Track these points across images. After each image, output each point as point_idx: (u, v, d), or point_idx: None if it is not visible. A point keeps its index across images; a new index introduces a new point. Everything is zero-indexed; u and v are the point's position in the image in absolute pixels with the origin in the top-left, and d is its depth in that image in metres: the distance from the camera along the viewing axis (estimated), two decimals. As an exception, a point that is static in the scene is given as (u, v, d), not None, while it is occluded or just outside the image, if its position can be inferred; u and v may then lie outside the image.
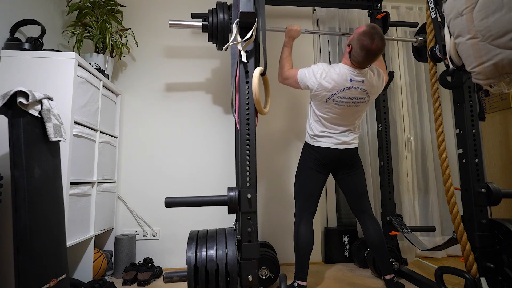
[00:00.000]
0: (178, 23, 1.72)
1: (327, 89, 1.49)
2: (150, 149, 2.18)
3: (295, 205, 1.66)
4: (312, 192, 1.61)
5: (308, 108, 1.68)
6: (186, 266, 1.03)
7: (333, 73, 1.49)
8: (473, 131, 1.40)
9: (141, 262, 1.91)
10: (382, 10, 2.11)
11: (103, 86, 1.87)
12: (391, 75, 1.99)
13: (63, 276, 1.22)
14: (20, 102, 1.12)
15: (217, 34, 1.68)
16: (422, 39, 1.98)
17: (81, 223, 1.60)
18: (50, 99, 1.29)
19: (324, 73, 1.50)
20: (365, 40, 1.41)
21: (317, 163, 1.60)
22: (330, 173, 1.69)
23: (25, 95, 1.14)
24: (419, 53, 2.05)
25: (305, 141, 1.69)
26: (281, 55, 1.72)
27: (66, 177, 1.44)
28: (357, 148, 1.65)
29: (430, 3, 1.43)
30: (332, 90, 1.48)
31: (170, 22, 1.70)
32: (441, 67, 1.41)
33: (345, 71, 1.50)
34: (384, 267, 1.59)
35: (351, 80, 1.48)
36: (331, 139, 1.58)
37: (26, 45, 1.51)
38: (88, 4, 1.98)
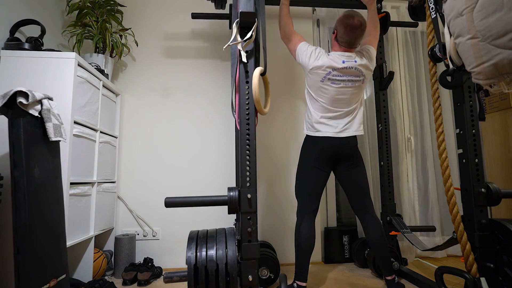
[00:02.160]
0: None
1: (322, 67, 1.54)
2: (150, 149, 2.18)
3: (297, 204, 1.64)
4: (313, 190, 1.59)
5: (306, 98, 1.67)
6: (186, 266, 1.03)
7: (327, 57, 1.57)
8: (473, 131, 1.40)
9: (141, 262, 1.91)
10: (382, 10, 2.12)
11: (103, 86, 1.87)
12: (391, 75, 1.99)
13: (63, 276, 1.22)
14: (20, 102, 1.12)
15: None
16: None
17: (81, 223, 1.60)
18: (50, 99, 1.29)
19: (321, 55, 1.58)
20: (346, 19, 1.55)
21: (318, 159, 1.58)
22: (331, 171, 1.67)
23: (25, 95, 1.14)
24: (415, 12, 2.01)
25: (306, 135, 1.66)
26: (280, 12, 1.73)
27: (66, 177, 1.44)
28: (356, 137, 1.62)
29: (430, 3, 1.43)
30: (326, 69, 1.54)
31: None
32: (441, 67, 1.41)
33: (336, 55, 1.57)
34: (386, 267, 1.59)
35: (343, 62, 1.55)
36: (331, 127, 1.57)
37: (26, 45, 1.52)
38: (88, 4, 1.98)
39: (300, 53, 1.62)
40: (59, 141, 1.32)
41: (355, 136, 1.61)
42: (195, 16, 2.10)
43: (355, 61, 1.56)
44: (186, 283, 1.53)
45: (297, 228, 1.58)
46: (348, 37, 1.55)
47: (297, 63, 2.37)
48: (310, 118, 1.62)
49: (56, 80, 1.48)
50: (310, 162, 1.60)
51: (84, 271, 1.64)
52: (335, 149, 1.57)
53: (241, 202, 1.15)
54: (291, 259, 2.14)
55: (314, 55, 1.57)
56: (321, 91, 1.57)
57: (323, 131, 1.57)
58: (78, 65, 1.56)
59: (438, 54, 1.41)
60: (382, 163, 2.05)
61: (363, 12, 2.38)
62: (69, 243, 1.44)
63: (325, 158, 1.58)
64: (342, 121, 1.58)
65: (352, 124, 1.60)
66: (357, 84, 1.57)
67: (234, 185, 2.18)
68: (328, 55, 1.58)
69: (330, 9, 2.39)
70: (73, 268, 1.64)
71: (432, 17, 1.43)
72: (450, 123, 2.41)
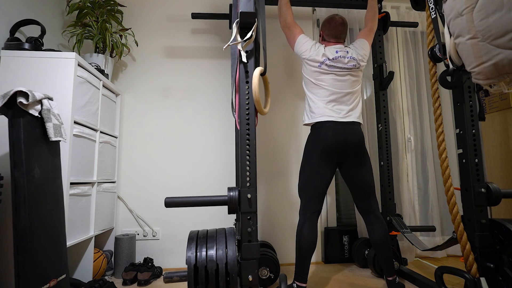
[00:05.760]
0: None
1: (319, 55, 1.61)
2: (150, 149, 2.18)
3: (300, 203, 1.62)
4: (316, 189, 1.54)
5: (305, 89, 1.67)
6: (186, 266, 1.03)
7: (323, 50, 1.64)
8: (473, 131, 1.40)
9: (141, 262, 1.91)
10: (382, 10, 2.11)
11: (103, 86, 1.87)
12: (391, 75, 1.99)
13: (63, 276, 1.22)
14: (20, 102, 1.12)
15: None
16: None
17: (81, 223, 1.60)
18: (50, 99, 1.29)
19: (319, 47, 1.65)
20: (329, 19, 1.72)
21: (322, 156, 1.54)
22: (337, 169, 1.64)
23: (25, 95, 1.14)
24: (417, 2, 2.00)
25: (311, 126, 1.64)
26: (280, 0, 1.78)
27: (66, 177, 1.44)
28: (361, 129, 1.61)
29: (430, 3, 1.43)
30: (322, 57, 1.61)
31: None
32: (441, 67, 1.41)
33: (330, 48, 1.65)
34: (387, 268, 1.58)
35: (337, 52, 1.63)
36: (335, 112, 1.56)
37: (26, 45, 1.51)
38: (88, 4, 1.98)
39: (300, 44, 1.67)
40: (59, 141, 1.32)
41: (359, 125, 1.60)
42: (195, 16, 2.10)
43: (347, 51, 1.63)
44: (186, 283, 1.53)
45: (299, 228, 1.53)
46: (333, 31, 1.69)
47: (296, 62, 2.37)
48: (313, 105, 1.60)
49: (56, 80, 1.48)
50: (314, 159, 1.55)
51: (84, 271, 1.64)
52: (340, 139, 1.53)
53: (241, 202, 1.15)
54: (291, 259, 2.14)
55: (315, 48, 1.63)
56: (321, 75, 1.60)
57: (328, 115, 1.56)
58: (78, 65, 1.56)
59: (438, 54, 1.41)
60: (382, 163, 2.05)
61: (360, 14, 2.41)
62: (69, 243, 1.44)
63: (330, 153, 1.54)
64: (345, 106, 1.59)
65: (354, 112, 1.61)
66: (354, 69, 1.63)
67: (234, 185, 2.18)
68: (324, 49, 1.65)
69: (330, 9, 2.39)
70: (73, 268, 1.64)
71: (432, 17, 1.43)
72: (450, 123, 2.41)
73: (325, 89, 1.59)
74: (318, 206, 1.55)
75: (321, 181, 1.55)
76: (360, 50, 1.67)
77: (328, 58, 1.59)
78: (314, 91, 1.61)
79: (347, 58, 1.61)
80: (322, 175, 1.55)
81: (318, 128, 1.58)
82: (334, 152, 1.55)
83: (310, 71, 1.62)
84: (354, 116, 1.59)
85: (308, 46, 1.64)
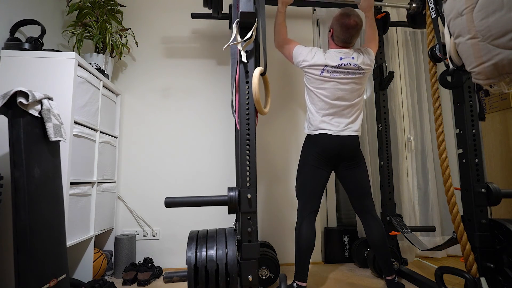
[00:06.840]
0: None
1: (318, 63, 1.56)
2: (150, 149, 2.18)
3: (297, 204, 1.64)
4: (313, 190, 1.57)
5: (306, 99, 1.66)
6: (186, 266, 1.03)
7: (324, 55, 1.59)
8: (473, 131, 1.40)
9: (141, 262, 1.91)
10: (382, 10, 2.11)
11: (103, 86, 1.87)
12: (391, 75, 1.99)
13: (63, 276, 1.22)
14: (20, 102, 1.12)
15: None
16: (415, 5, 1.96)
17: (81, 223, 1.60)
18: (50, 99, 1.29)
19: (317, 53, 1.60)
20: (342, 19, 1.56)
21: (318, 159, 1.57)
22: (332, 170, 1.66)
23: (25, 95, 1.14)
24: (414, 20, 2.02)
25: (307, 134, 1.66)
26: (276, 21, 1.74)
27: (66, 177, 1.44)
28: (358, 138, 1.62)
29: (430, 3, 1.43)
30: (323, 64, 1.56)
31: None
32: (441, 67, 1.41)
33: (333, 52, 1.59)
34: (386, 268, 1.58)
35: (341, 59, 1.57)
36: (332, 126, 1.56)
37: (26, 45, 1.51)
38: (88, 4, 1.98)
39: (296, 55, 1.63)
40: (59, 141, 1.32)
41: (357, 136, 1.61)
42: (195, 16, 2.10)
43: (352, 58, 1.58)
44: (186, 283, 1.53)
45: (297, 229, 1.56)
46: (343, 36, 1.58)
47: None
48: (311, 117, 1.61)
49: (56, 80, 1.48)
50: (311, 161, 1.59)
51: (84, 271, 1.64)
52: (335, 148, 1.56)
53: (241, 202, 1.15)
54: (291, 259, 2.14)
55: (311, 55, 1.59)
56: (321, 84, 1.57)
57: (325, 129, 1.56)
58: (78, 65, 1.56)
59: (438, 54, 1.41)
60: (382, 163, 2.05)
61: (361, 14, 2.40)
62: (69, 243, 1.44)
63: (326, 157, 1.57)
64: (344, 119, 1.58)
65: (353, 124, 1.60)
66: (357, 76, 1.58)
67: (234, 185, 2.18)
68: (325, 52, 1.60)
69: (330, 9, 2.39)
70: (73, 268, 1.64)
71: (432, 17, 1.43)
72: (450, 123, 2.41)
73: (325, 102, 1.57)
74: (316, 206, 1.58)
75: (318, 182, 1.58)
76: (367, 55, 1.64)
77: (327, 65, 1.55)
78: (314, 102, 1.60)
79: (352, 64, 1.56)
80: (318, 176, 1.58)
81: (315, 134, 1.59)
82: (330, 155, 1.57)
83: (312, 78, 1.59)
84: (353, 129, 1.59)
85: (304, 56, 1.60)
